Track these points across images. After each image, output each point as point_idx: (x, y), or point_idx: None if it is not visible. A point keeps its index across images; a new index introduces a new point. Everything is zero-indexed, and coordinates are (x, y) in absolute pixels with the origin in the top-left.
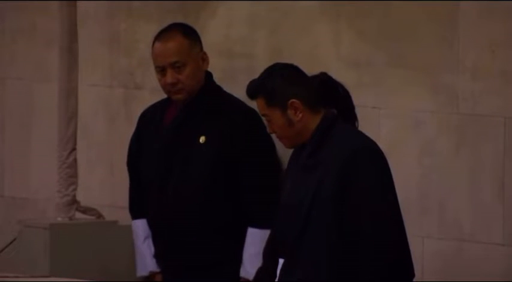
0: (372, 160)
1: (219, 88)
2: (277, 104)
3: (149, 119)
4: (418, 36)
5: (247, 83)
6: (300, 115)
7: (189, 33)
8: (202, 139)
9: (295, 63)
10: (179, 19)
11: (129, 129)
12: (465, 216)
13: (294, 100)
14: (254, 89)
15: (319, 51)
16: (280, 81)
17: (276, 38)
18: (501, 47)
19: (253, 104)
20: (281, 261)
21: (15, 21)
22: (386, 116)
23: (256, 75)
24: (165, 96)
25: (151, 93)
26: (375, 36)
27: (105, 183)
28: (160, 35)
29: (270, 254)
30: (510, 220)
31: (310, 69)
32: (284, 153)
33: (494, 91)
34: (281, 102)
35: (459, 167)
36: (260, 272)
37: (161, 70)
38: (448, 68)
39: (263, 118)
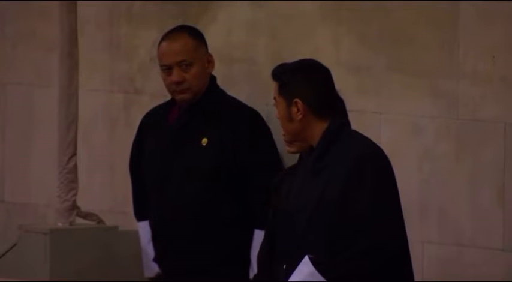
0: (378, 167)
1: (222, 91)
2: (285, 96)
3: (152, 121)
4: (418, 41)
5: (247, 88)
6: (300, 116)
7: (195, 35)
8: (204, 141)
9: None
10: (179, 24)
11: (129, 134)
12: (465, 221)
13: (297, 100)
14: (276, 72)
15: (320, 56)
16: (297, 77)
17: (276, 43)
18: (501, 52)
19: (256, 106)
20: (281, 269)
21: (15, 26)
22: (386, 121)
23: (256, 80)
24: (165, 100)
25: (152, 98)
26: (375, 41)
27: (105, 188)
28: (167, 35)
29: (265, 260)
30: (510, 225)
31: None
32: (285, 154)
33: (495, 96)
34: (288, 97)
35: (459, 173)
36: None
37: (167, 69)
38: (448, 73)
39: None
